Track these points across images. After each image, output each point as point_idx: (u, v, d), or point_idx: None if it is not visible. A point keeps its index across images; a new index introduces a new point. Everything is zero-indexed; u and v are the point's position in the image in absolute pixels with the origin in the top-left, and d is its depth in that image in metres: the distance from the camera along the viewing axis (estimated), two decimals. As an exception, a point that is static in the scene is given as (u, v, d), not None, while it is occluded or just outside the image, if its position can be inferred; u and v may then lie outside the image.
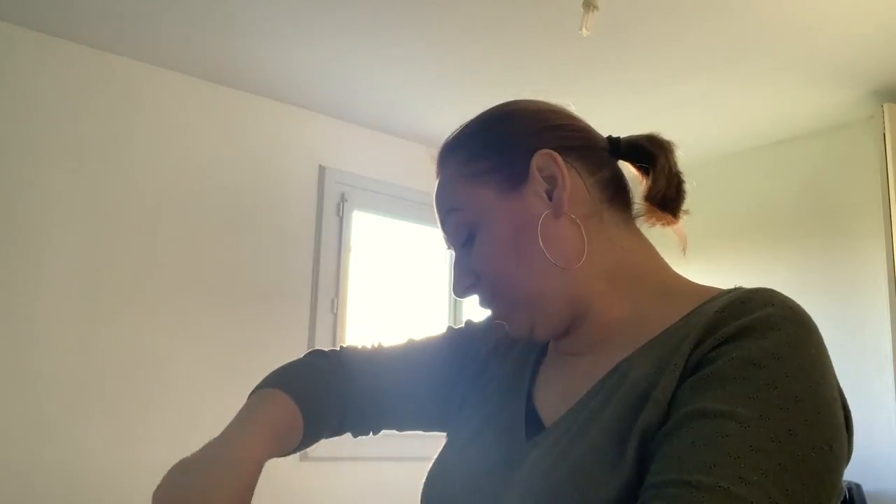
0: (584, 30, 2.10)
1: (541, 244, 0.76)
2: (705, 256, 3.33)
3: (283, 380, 0.85)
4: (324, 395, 0.86)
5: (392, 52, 2.80)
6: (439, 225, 0.85)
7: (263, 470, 0.77)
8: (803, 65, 2.81)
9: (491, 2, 2.45)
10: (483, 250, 0.79)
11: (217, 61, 2.90)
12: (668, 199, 0.81)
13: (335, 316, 3.24)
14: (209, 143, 3.04)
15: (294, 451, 0.85)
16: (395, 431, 0.97)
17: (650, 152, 0.82)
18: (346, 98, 3.18)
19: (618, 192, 0.82)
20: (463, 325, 0.99)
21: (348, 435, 0.94)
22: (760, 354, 0.62)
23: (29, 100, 2.67)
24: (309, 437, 0.84)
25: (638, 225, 0.84)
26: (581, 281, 0.77)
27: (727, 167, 3.57)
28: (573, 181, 0.78)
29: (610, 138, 0.84)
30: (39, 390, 2.57)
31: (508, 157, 0.80)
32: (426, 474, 0.85)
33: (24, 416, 2.53)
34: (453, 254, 0.85)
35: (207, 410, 2.80)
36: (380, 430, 0.94)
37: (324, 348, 0.94)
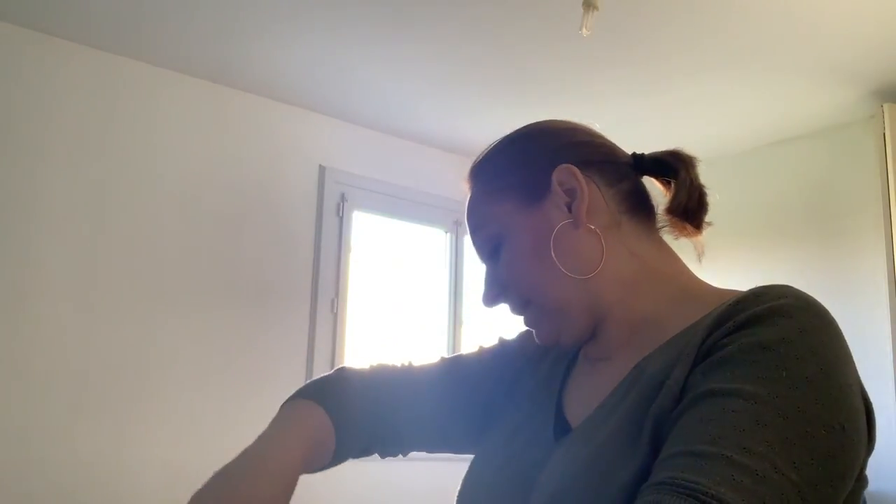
0: (584, 30, 2.10)
1: (552, 255, 0.80)
2: (706, 256, 3.33)
3: (317, 393, 0.85)
4: (355, 414, 0.86)
5: (393, 53, 2.80)
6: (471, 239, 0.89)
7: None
8: (803, 65, 2.81)
9: (491, 2, 2.45)
10: (507, 262, 0.83)
11: (217, 61, 2.90)
12: (690, 210, 0.83)
13: (335, 316, 3.24)
14: (209, 143, 3.04)
15: (322, 468, 0.84)
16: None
17: (672, 166, 0.85)
18: (347, 98, 3.18)
19: (638, 203, 0.85)
20: (497, 342, 1.00)
21: None
22: (771, 339, 0.63)
23: (30, 100, 2.67)
24: (339, 454, 0.85)
25: (662, 236, 0.86)
26: (599, 288, 0.80)
27: (727, 167, 3.57)
28: (591, 193, 0.81)
29: (634, 154, 0.87)
30: (38, 390, 2.57)
31: (530, 173, 0.84)
32: (461, 482, 0.87)
33: (23, 416, 2.53)
34: (485, 266, 0.88)
35: (207, 411, 2.80)
36: (408, 452, 0.94)
37: (353, 365, 0.93)
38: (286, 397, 0.86)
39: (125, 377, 2.73)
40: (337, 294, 3.26)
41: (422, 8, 2.49)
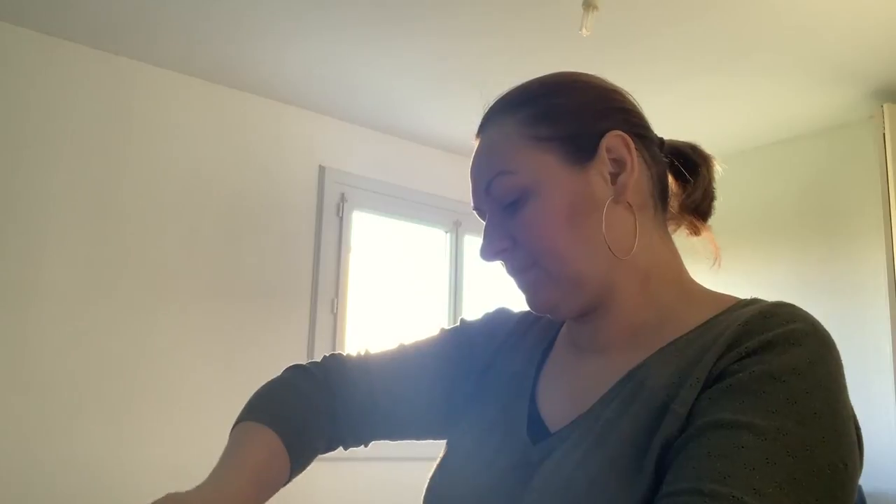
0: (583, 30, 2.10)
1: (603, 229, 0.74)
2: (703, 256, 3.33)
3: (266, 411, 0.81)
4: (309, 422, 0.82)
5: (392, 52, 2.80)
6: (477, 183, 0.80)
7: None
8: (803, 65, 2.81)
9: (491, 2, 2.45)
10: (532, 218, 0.75)
11: (216, 61, 2.90)
12: (702, 210, 0.82)
13: (335, 316, 3.24)
14: (209, 143, 3.04)
15: (285, 483, 0.81)
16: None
17: (693, 161, 0.82)
18: (346, 98, 3.18)
19: (663, 191, 0.81)
20: (458, 324, 0.95)
21: None
22: (781, 369, 0.62)
23: (29, 100, 2.66)
24: (296, 470, 0.81)
25: None
26: (621, 272, 0.75)
27: (727, 167, 3.56)
28: (639, 169, 0.77)
29: (656, 136, 0.83)
30: (38, 390, 2.57)
31: (578, 130, 0.77)
32: (429, 479, 0.83)
33: (23, 416, 2.53)
34: (486, 216, 0.80)
35: (207, 411, 2.80)
36: (370, 442, 0.90)
37: (303, 362, 0.90)
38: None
39: (125, 377, 2.73)
40: (337, 294, 3.26)
41: (422, 8, 2.49)
